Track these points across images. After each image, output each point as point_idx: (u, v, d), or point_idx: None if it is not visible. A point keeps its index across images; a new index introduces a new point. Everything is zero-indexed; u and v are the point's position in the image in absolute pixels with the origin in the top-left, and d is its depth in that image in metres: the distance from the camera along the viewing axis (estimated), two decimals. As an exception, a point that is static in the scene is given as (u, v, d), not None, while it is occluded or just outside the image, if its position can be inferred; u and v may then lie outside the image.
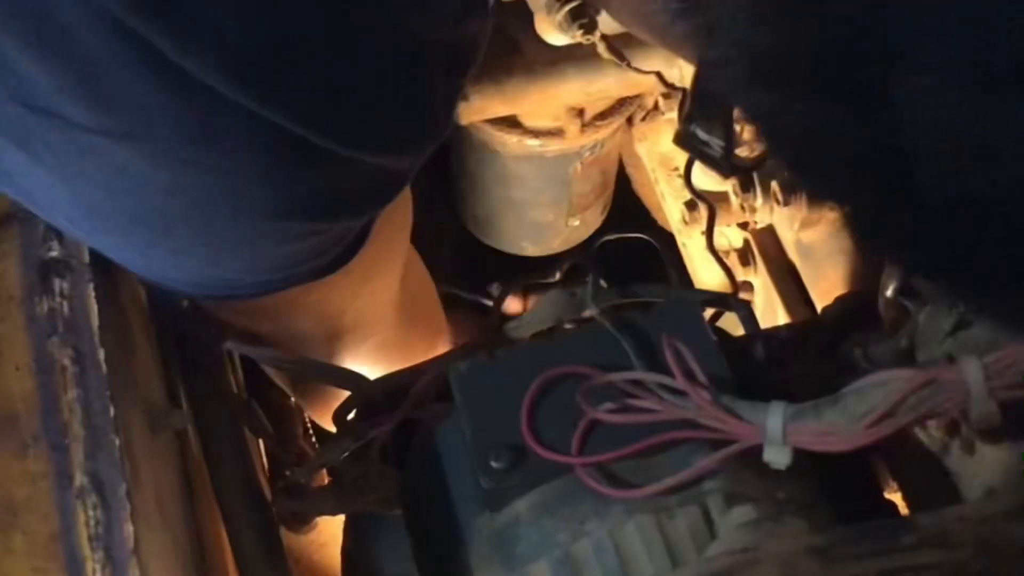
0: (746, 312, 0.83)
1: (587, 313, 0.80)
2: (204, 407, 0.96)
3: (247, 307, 0.90)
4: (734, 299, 0.85)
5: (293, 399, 1.43)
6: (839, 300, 0.91)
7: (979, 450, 0.76)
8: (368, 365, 1.05)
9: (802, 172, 0.53)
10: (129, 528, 0.66)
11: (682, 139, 0.86)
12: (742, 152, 0.92)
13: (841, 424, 0.67)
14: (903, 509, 0.86)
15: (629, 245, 1.71)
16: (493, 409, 0.74)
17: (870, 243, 0.51)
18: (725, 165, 0.84)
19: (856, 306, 0.89)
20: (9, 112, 0.61)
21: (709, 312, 0.87)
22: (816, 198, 1.07)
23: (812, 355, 0.84)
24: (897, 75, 0.42)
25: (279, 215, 0.71)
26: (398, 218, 0.92)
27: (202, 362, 0.97)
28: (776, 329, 0.88)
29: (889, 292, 0.80)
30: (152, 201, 0.67)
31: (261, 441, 1.10)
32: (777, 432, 0.67)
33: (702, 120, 0.84)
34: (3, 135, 0.64)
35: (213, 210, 0.69)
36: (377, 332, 1.07)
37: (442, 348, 1.20)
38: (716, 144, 0.86)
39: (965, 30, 0.40)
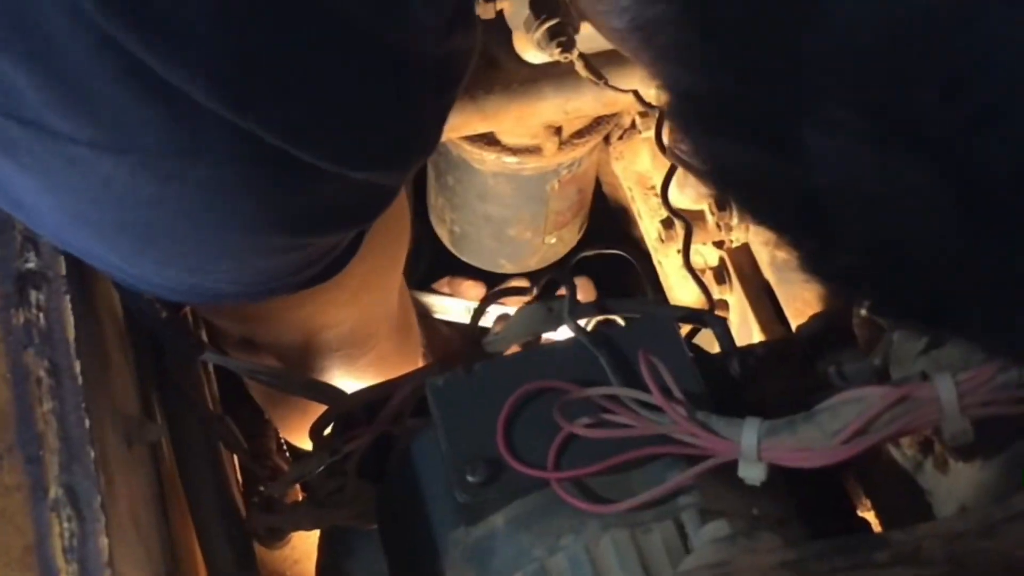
0: (721, 329, 0.83)
1: (564, 328, 0.80)
2: (178, 420, 0.96)
3: (239, 311, 0.90)
4: (710, 315, 0.85)
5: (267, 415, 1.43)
6: (814, 318, 0.91)
7: (952, 468, 0.76)
8: (366, 379, 1.05)
9: (744, 209, 0.56)
10: (104, 540, 0.65)
11: (671, 152, 0.87)
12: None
13: (815, 440, 0.67)
14: (877, 528, 0.86)
15: (605, 263, 1.71)
16: (470, 423, 0.74)
17: (809, 278, 0.53)
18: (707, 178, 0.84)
19: (830, 325, 0.89)
20: None
21: (686, 329, 0.87)
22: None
23: (787, 373, 0.84)
24: (808, 130, 0.45)
25: (263, 230, 0.71)
26: (394, 232, 0.92)
27: (177, 376, 0.97)
28: (752, 346, 0.88)
29: (863, 311, 0.80)
30: (136, 212, 0.67)
31: (235, 456, 1.10)
32: (752, 448, 0.67)
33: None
34: None
35: (197, 223, 0.69)
36: (374, 346, 1.07)
37: (421, 361, 1.20)
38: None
39: (864, 93, 0.43)
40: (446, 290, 1.71)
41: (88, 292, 0.79)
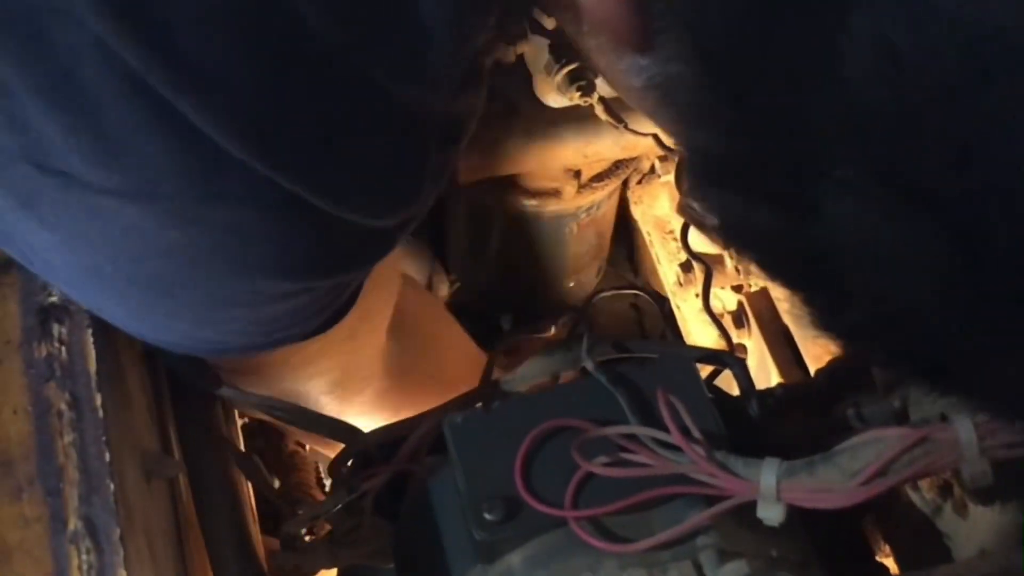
0: (740, 369, 0.83)
1: (583, 366, 0.80)
2: (196, 456, 0.96)
3: (237, 365, 0.91)
4: (729, 356, 0.85)
5: (308, 447, 1.44)
6: (833, 362, 0.91)
7: (972, 512, 0.76)
8: (368, 415, 1.06)
9: (755, 266, 0.56)
10: (122, 573, 0.65)
11: (682, 209, 0.87)
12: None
13: (834, 481, 0.66)
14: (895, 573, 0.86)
15: (621, 307, 1.70)
16: (488, 461, 0.74)
17: (820, 334, 0.54)
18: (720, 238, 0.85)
19: (849, 368, 0.89)
20: (20, 171, 0.62)
21: (707, 370, 0.86)
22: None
23: (806, 415, 0.84)
24: (820, 191, 0.46)
25: (274, 273, 0.72)
26: (383, 274, 0.93)
27: (195, 411, 0.97)
28: (771, 388, 0.88)
29: (882, 353, 0.80)
30: (153, 263, 0.68)
31: (255, 491, 1.10)
32: (771, 488, 0.67)
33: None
34: (10, 195, 0.65)
35: (211, 269, 0.70)
36: (370, 383, 1.07)
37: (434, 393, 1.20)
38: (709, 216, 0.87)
39: (875, 158, 0.44)
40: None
41: (108, 327, 0.80)
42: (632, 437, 0.72)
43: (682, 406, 0.71)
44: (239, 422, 1.20)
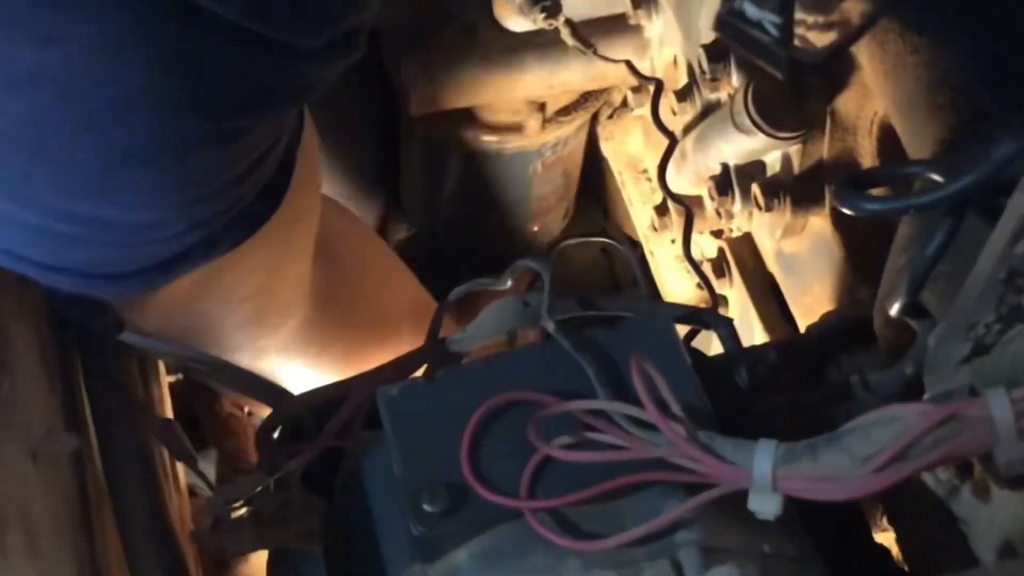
0: (727, 330, 0.78)
1: (542, 326, 0.75)
2: (108, 425, 0.92)
3: (146, 303, 0.84)
4: (712, 315, 0.80)
5: (246, 409, 1.40)
6: (828, 316, 0.87)
7: (995, 495, 0.69)
8: (293, 351, 1.03)
9: None
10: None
11: (722, 22, 0.78)
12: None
13: (842, 468, 0.60)
14: (896, 554, 0.81)
15: (590, 253, 1.68)
16: (429, 441, 0.69)
17: None
18: (779, 55, 0.76)
19: (848, 324, 0.84)
20: None
21: (684, 329, 0.81)
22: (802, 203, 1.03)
23: (802, 382, 0.79)
24: None
25: (170, 104, 0.65)
26: (304, 191, 0.89)
27: (108, 372, 0.93)
28: (761, 350, 0.83)
29: (893, 310, 0.74)
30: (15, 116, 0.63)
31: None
32: (766, 476, 0.61)
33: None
34: None
35: (87, 102, 0.63)
36: (293, 313, 1.04)
37: (408, 334, 1.16)
38: (770, 24, 0.76)
39: None
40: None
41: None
42: (600, 414, 0.67)
43: (659, 376, 0.66)
44: (166, 381, 1.14)
